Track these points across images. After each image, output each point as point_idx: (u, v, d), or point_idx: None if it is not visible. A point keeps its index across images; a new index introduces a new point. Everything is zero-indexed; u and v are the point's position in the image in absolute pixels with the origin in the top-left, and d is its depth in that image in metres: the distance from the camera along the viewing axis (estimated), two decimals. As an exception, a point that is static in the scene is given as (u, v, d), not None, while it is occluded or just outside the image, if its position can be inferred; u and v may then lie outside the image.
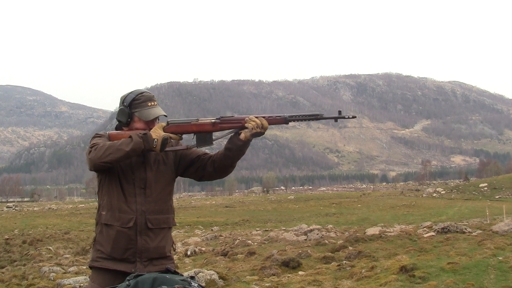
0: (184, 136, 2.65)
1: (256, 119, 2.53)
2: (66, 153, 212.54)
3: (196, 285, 2.08)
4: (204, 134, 2.61)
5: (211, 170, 2.65)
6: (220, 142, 2.75)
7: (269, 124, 2.56)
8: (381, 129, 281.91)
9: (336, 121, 2.65)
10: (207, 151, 2.75)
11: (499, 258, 8.04)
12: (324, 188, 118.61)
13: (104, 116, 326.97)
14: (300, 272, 8.95)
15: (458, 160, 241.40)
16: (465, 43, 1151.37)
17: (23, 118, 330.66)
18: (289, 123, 2.64)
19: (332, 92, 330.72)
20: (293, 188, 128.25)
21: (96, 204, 2.66)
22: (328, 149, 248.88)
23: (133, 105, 2.60)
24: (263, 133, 2.55)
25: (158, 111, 2.62)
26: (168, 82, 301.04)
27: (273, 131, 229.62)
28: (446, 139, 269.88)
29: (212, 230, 27.32)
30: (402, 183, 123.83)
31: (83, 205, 63.85)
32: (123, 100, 2.65)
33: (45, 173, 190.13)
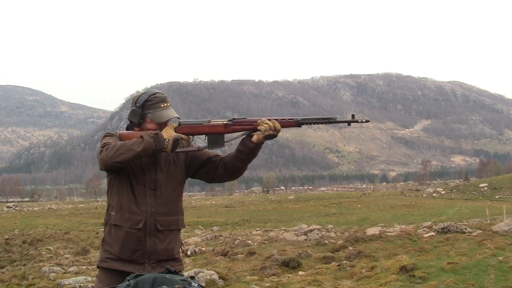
0: (195, 137, 2.64)
1: (268, 122, 2.51)
2: (66, 153, 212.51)
3: (196, 285, 2.08)
4: (215, 136, 2.60)
5: (222, 172, 2.64)
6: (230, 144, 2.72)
7: (282, 126, 2.55)
8: (381, 129, 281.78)
9: (349, 125, 2.62)
10: (218, 153, 2.73)
11: (499, 258, 8.04)
12: (324, 188, 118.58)
13: (104, 116, 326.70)
14: (300, 272, 8.95)
15: (458, 160, 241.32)
16: (465, 43, 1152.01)
17: (23, 118, 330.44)
18: (302, 126, 2.62)
19: (332, 92, 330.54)
20: (293, 188, 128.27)
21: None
22: (328, 149, 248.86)
23: (146, 106, 2.58)
24: (275, 136, 2.54)
25: (171, 113, 2.60)
26: (168, 82, 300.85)
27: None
28: (446, 139, 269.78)
29: (212, 230, 27.34)
30: (402, 183, 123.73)
31: (83, 205, 63.73)
32: (135, 100, 2.62)
33: (45, 173, 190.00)
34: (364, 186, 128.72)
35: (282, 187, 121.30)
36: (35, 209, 55.19)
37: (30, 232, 26.48)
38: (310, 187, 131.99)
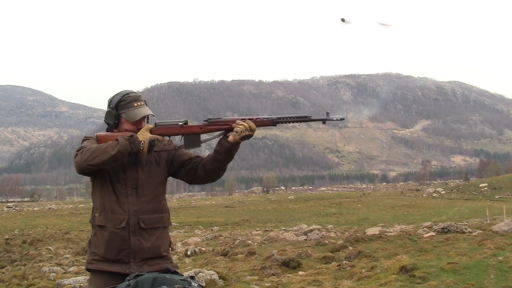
0: (172, 137, 2.66)
1: (244, 123, 2.53)
2: (66, 153, 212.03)
3: (196, 285, 2.08)
4: (192, 136, 2.62)
5: (202, 174, 2.66)
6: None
7: (257, 126, 2.57)
8: (381, 129, 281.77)
9: (324, 123, 2.64)
10: (199, 154, 2.76)
11: (499, 258, 8.04)
12: (324, 188, 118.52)
13: (104, 116, 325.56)
14: (300, 272, 8.94)
15: (458, 160, 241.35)
16: (465, 43, 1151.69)
17: (23, 118, 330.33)
18: (277, 125, 2.64)
19: (332, 92, 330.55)
20: (293, 188, 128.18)
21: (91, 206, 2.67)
22: (328, 149, 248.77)
23: (120, 107, 2.61)
24: (251, 136, 2.56)
25: (145, 110, 2.62)
26: (168, 82, 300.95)
27: (273, 131, 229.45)
28: (446, 139, 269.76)
29: (212, 230, 27.31)
30: (402, 183, 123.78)
31: (83, 205, 63.86)
32: (109, 102, 2.66)
33: (45, 173, 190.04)
34: (364, 186, 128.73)
35: (282, 187, 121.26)
36: (35, 209, 55.20)
37: (30, 232, 26.47)
38: (310, 187, 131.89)
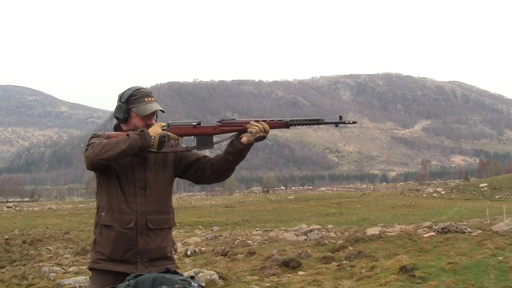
0: (184, 137, 2.66)
1: (258, 124, 2.54)
2: (66, 153, 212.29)
3: (196, 285, 2.08)
4: (204, 137, 2.62)
5: (210, 174, 2.66)
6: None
7: (271, 128, 2.59)
8: (381, 129, 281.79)
9: (336, 126, 2.67)
10: (207, 154, 2.77)
11: (499, 258, 8.04)
12: (324, 188, 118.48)
13: (104, 116, 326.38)
14: (300, 272, 8.94)
15: (458, 160, 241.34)
16: (465, 43, 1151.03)
17: (23, 118, 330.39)
18: (290, 127, 2.66)
19: (332, 92, 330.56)
20: (293, 188, 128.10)
21: (96, 204, 2.66)
22: (328, 149, 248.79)
23: (130, 101, 2.61)
24: (265, 137, 2.57)
25: (155, 106, 2.63)
26: (168, 82, 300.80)
27: (273, 131, 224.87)
28: (446, 139, 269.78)
29: (212, 230, 27.32)
30: (402, 183, 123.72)
31: (83, 205, 63.83)
32: (120, 96, 2.67)
33: (45, 173, 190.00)
34: (364, 186, 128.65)
35: (282, 187, 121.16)
36: (35, 209, 55.16)
37: (30, 232, 26.48)
38: (310, 187, 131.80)
